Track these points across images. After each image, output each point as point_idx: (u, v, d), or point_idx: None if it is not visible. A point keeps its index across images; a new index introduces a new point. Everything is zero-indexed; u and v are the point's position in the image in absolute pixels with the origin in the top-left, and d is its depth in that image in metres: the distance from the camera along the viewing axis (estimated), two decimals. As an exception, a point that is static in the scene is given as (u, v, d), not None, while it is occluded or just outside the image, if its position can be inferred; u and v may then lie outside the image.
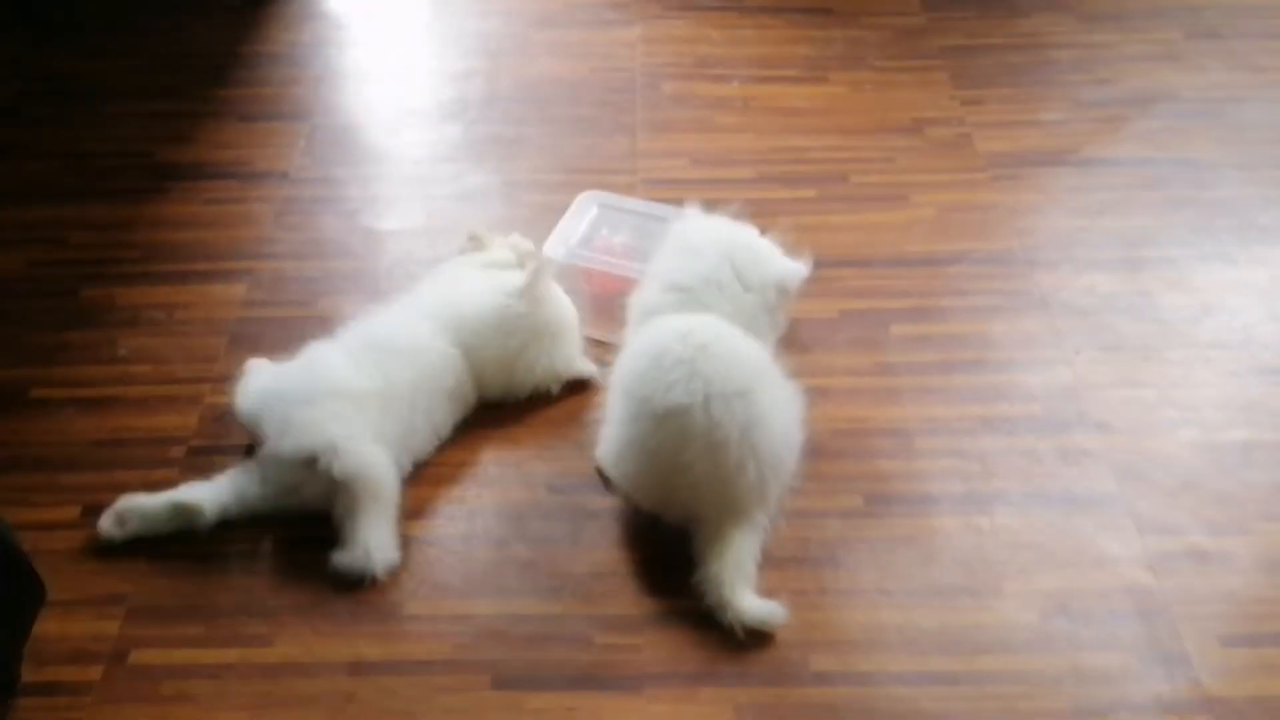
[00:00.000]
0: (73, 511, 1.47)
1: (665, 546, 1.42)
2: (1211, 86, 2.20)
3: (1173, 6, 2.43)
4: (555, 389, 1.60)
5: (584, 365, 1.61)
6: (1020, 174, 2.00)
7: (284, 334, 1.67)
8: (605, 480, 1.49)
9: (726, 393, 1.35)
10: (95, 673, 1.30)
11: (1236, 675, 1.30)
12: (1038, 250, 1.85)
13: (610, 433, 1.46)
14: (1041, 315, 1.74)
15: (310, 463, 1.38)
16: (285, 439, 1.40)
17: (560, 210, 1.76)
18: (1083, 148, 2.06)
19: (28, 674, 1.29)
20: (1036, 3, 2.44)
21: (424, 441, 1.51)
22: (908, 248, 1.85)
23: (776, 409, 1.41)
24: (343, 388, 1.44)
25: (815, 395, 1.60)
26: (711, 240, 1.55)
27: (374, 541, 1.37)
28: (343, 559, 1.37)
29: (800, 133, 2.01)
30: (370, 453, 1.40)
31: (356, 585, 1.37)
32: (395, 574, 1.40)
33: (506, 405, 1.60)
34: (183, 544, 1.43)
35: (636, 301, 1.54)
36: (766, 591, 1.37)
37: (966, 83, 2.22)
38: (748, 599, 1.32)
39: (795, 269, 1.56)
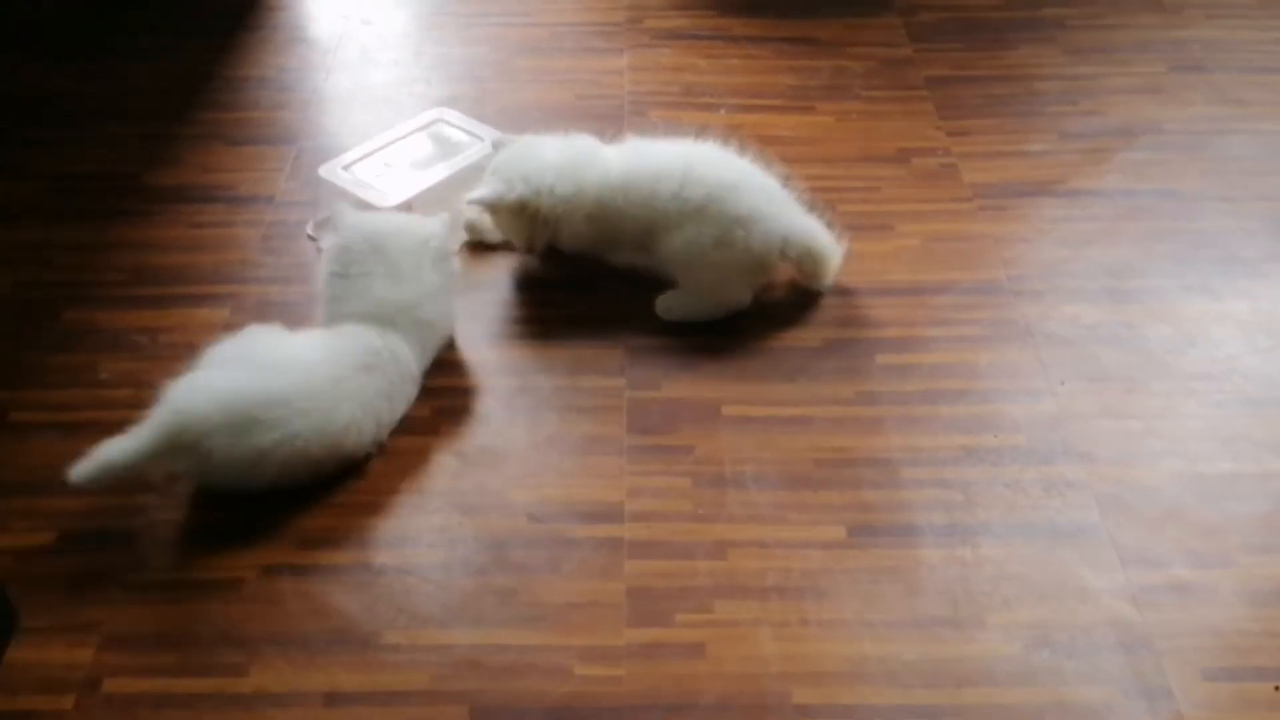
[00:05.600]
0: (49, 537, 1.45)
1: (646, 577, 1.41)
2: (1195, 119, 2.22)
3: (1157, 40, 2.45)
4: None
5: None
6: (1005, 204, 2.01)
7: (266, 359, 1.67)
8: None
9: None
10: (68, 702, 1.28)
11: (1219, 709, 1.29)
12: (1023, 280, 1.85)
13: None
14: (1026, 346, 1.74)
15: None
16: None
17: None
18: (1068, 179, 2.07)
19: (-2, 703, 1.28)
20: (1022, 35, 2.46)
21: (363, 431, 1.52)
22: (893, 277, 1.85)
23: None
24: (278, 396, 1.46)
25: (799, 425, 1.61)
26: None
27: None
28: None
29: (786, 162, 2.00)
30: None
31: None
32: (371, 604, 1.38)
33: (487, 433, 1.60)
34: (157, 571, 1.42)
35: None
36: (749, 623, 1.37)
37: (952, 113, 2.23)
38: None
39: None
